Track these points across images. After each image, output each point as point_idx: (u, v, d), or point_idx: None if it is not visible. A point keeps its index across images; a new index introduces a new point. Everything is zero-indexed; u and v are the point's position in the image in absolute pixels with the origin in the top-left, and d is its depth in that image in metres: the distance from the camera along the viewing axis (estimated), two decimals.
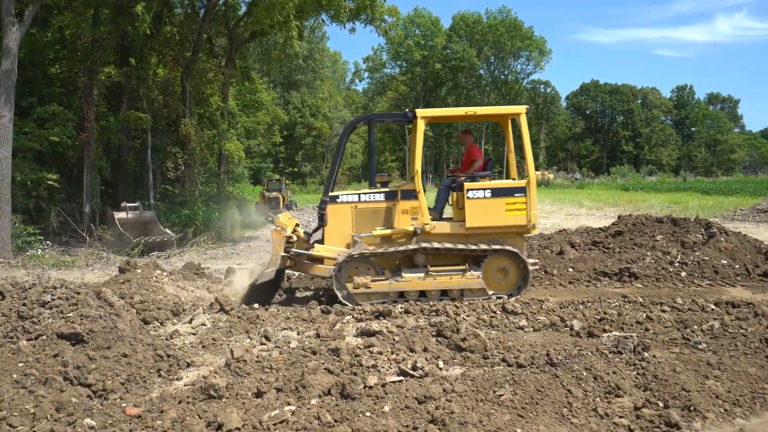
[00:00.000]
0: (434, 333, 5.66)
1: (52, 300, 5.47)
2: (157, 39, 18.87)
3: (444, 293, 7.74)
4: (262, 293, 7.97)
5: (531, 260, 8.15)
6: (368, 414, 3.83)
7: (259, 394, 4.18)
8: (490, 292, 7.75)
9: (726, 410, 3.98)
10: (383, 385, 4.23)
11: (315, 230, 8.61)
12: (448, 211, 8.46)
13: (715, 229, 9.85)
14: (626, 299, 7.31)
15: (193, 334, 6.07)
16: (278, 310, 7.02)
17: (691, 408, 3.94)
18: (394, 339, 5.45)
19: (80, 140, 16.04)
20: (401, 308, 7.03)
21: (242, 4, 21.50)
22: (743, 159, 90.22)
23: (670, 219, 10.80)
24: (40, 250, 13.61)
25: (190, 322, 6.44)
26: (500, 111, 8.82)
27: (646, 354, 4.90)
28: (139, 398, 4.23)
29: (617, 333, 5.69)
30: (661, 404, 4.05)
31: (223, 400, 4.10)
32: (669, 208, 24.17)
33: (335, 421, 3.73)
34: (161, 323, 6.40)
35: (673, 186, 48.37)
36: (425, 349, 5.14)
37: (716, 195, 34.60)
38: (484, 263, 7.80)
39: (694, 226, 10.24)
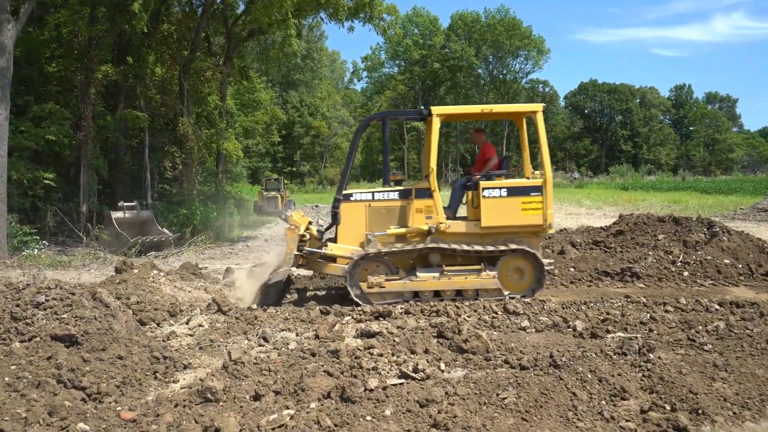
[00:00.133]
0: (435, 334, 5.57)
1: (47, 301, 5.37)
2: (154, 37, 18.72)
3: (459, 293, 7.65)
4: (273, 293, 7.91)
5: (546, 260, 8.07)
6: (369, 418, 3.74)
7: (257, 398, 4.08)
8: (506, 293, 7.67)
9: (735, 413, 3.89)
10: (384, 388, 4.14)
11: (327, 228, 8.54)
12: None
13: (718, 229, 9.78)
14: (629, 299, 7.23)
15: (190, 335, 5.98)
16: (276, 311, 6.93)
17: (699, 411, 3.85)
18: (394, 340, 5.37)
19: (77, 139, 15.91)
20: (401, 309, 6.95)
21: (240, 3, 21.39)
22: (742, 158, 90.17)
23: (672, 218, 10.72)
24: (36, 250, 13.49)
25: (187, 323, 6.35)
26: (516, 109, 8.73)
27: (651, 355, 4.81)
28: (135, 401, 4.13)
29: (621, 334, 5.61)
30: (668, 407, 3.96)
31: (221, 403, 4.01)
32: (669, 208, 24.12)
33: (335, 425, 3.64)
34: (158, 324, 6.30)
35: (672, 185, 48.32)
36: (426, 351, 5.05)
37: (715, 194, 34.56)
38: (500, 263, 7.71)
39: (697, 225, 10.16)
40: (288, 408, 3.90)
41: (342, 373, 4.46)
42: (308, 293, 8.92)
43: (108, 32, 16.15)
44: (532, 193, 7.65)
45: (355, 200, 7.98)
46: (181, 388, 4.42)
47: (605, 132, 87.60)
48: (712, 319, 6.11)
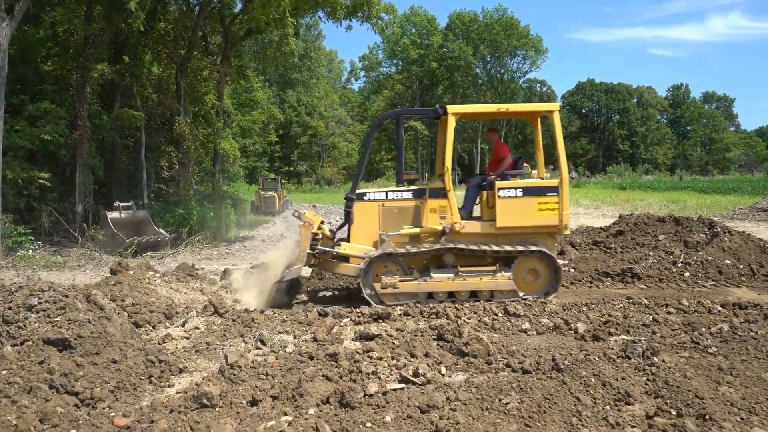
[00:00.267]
0: (435, 337, 5.49)
1: (39, 303, 5.28)
2: (151, 36, 18.58)
3: (473, 294, 7.58)
4: (284, 294, 7.83)
5: (562, 261, 7.98)
6: (369, 425, 3.65)
7: (254, 403, 3.99)
8: (521, 294, 7.59)
9: (742, 419, 3.80)
10: (384, 393, 4.05)
11: (339, 228, 8.46)
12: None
13: (719, 229, 9.71)
14: (630, 301, 7.14)
15: (186, 338, 5.88)
16: (274, 313, 6.82)
17: (707, 417, 3.76)
18: (393, 343, 5.28)
19: (73, 139, 15.77)
20: (400, 310, 6.85)
21: (238, 1, 21.26)
22: (738, 158, 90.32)
23: (672, 218, 10.65)
24: (31, 251, 13.36)
25: (183, 325, 6.24)
26: (533, 108, 8.65)
27: (655, 359, 4.73)
28: (129, 407, 4.03)
29: (624, 336, 5.53)
30: (674, 412, 3.88)
31: (217, 409, 3.91)
32: (667, 207, 24.09)
33: None
34: (153, 327, 6.19)
35: (669, 185, 48.36)
36: (427, 354, 4.96)
37: (713, 194, 34.57)
38: (515, 264, 7.63)
39: (697, 225, 10.10)
40: (286, 414, 3.80)
41: (341, 377, 4.36)
42: (320, 294, 8.83)
43: (104, 31, 16.02)
44: (548, 194, 7.58)
45: (369, 200, 7.91)
46: (177, 393, 4.32)
47: (602, 131, 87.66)
48: (715, 321, 6.04)
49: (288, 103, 63.05)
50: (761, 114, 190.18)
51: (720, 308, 6.65)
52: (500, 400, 4.04)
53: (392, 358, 4.80)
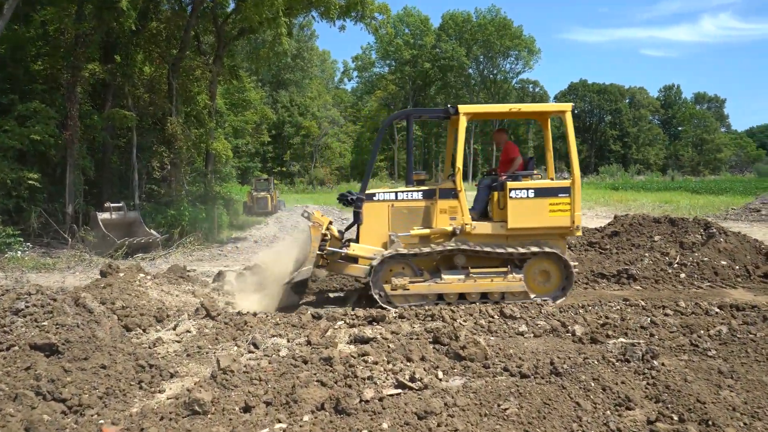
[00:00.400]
0: (431, 340, 5.40)
1: (26, 307, 5.15)
2: (142, 35, 18.40)
3: (483, 296, 7.50)
4: (293, 295, 7.73)
5: (573, 263, 7.93)
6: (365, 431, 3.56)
7: (247, 409, 3.89)
8: (532, 296, 7.52)
9: (746, 424, 3.73)
10: (380, 399, 3.96)
11: (347, 228, 8.36)
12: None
13: (715, 230, 9.68)
14: (627, 302, 7.09)
15: (178, 341, 5.76)
16: (267, 316, 6.71)
17: (709, 422, 3.69)
18: (389, 347, 5.18)
19: (63, 139, 15.55)
20: (395, 312, 6.76)
21: (230, 1, 21.09)
22: (729, 158, 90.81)
23: (667, 219, 10.62)
24: (19, 252, 13.16)
25: (174, 328, 6.13)
26: (544, 108, 8.61)
27: (655, 362, 4.67)
28: (118, 414, 3.92)
29: (623, 339, 5.47)
30: (675, 418, 3.80)
31: (209, 416, 3.81)
32: (661, 208, 24.11)
33: None
34: (144, 330, 6.07)
35: (662, 185, 48.48)
36: (423, 358, 4.88)
37: (706, 194, 34.64)
38: (526, 265, 7.56)
39: (693, 226, 10.07)
40: (280, 421, 3.71)
41: (336, 382, 4.26)
42: (329, 295, 8.74)
43: (95, 30, 15.82)
44: (560, 195, 7.52)
45: (378, 200, 7.83)
46: (168, 399, 4.21)
47: (595, 132, 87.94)
48: (713, 323, 5.98)
49: (281, 104, 62.82)
50: (752, 115, 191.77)
51: (718, 310, 6.61)
52: (499, 405, 3.96)
53: (388, 362, 4.70)
